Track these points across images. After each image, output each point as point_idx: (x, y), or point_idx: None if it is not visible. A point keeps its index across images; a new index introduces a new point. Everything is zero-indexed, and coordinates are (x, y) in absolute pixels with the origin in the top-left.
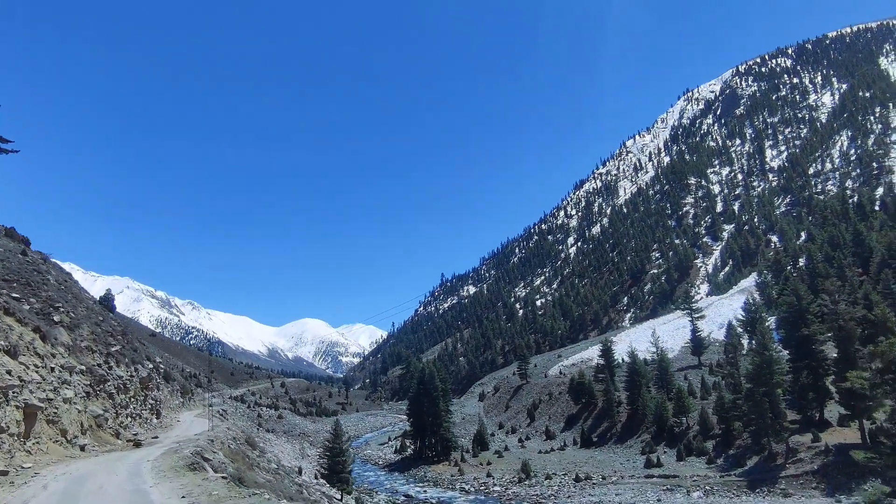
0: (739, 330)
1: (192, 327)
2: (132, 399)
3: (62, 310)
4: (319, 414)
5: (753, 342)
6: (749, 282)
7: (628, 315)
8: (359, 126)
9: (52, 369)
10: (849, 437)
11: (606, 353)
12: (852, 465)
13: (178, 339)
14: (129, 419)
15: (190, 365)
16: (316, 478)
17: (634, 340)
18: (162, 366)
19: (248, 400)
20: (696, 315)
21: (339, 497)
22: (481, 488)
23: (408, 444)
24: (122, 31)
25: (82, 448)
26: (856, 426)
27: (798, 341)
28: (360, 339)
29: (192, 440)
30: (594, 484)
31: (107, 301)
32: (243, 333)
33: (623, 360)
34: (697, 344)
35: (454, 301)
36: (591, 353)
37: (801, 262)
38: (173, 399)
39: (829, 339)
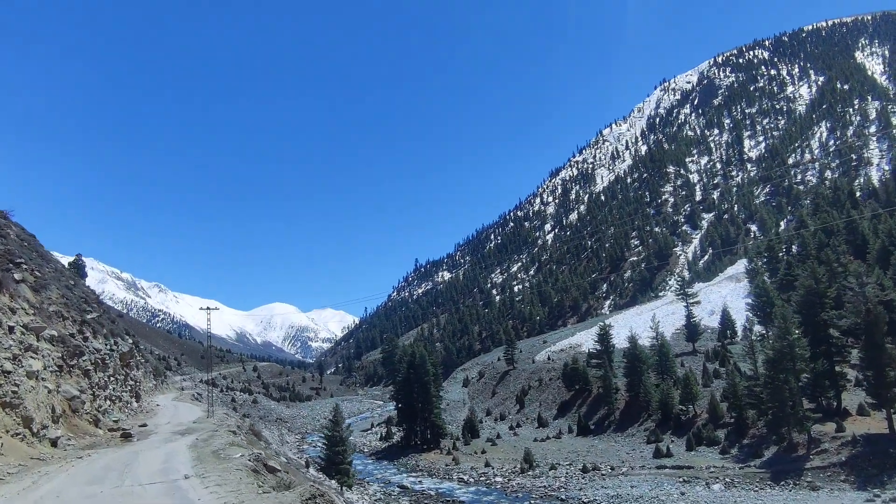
0: (749, 315)
1: (159, 310)
2: (112, 378)
3: (25, 267)
4: (293, 399)
5: (754, 328)
6: (736, 269)
7: (608, 302)
8: (327, 104)
9: (12, 330)
10: (872, 426)
11: (604, 337)
12: (883, 457)
13: (144, 321)
14: (109, 402)
15: (159, 347)
16: (307, 466)
17: (621, 326)
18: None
19: (220, 384)
20: (691, 301)
21: (340, 490)
22: (481, 479)
23: (394, 430)
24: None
25: (54, 443)
26: (879, 415)
27: (815, 326)
28: (330, 324)
29: (195, 429)
30: (603, 475)
31: (77, 269)
32: (212, 317)
33: (614, 346)
34: (692, 330)
35: (428, 287)
36: (579, 339)
37: (794, 248)
38: (147, 381)
39: (853, 325)
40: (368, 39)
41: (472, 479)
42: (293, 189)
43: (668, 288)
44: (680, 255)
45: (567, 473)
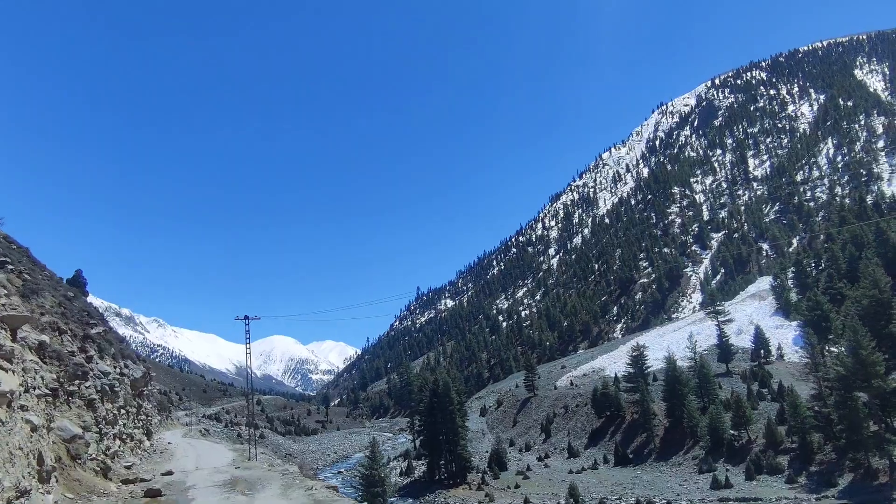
0: (800, 336)
1: (158, 345)
2: (122, 411)
3: (11, 268)
4: (299, 433)
5: (815, 344)
6: (758, 286)
7: (619, 325)
8: (321, 133)
9: None
10: None
11: (638, 359)
12: None
13: (144, 356)
14: (119, 443)
15: (160, 382)
16: None
17: (647, 349)
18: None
19: (223, 418)
20: (723, 319)
21: None
22: None
23: (414, 464)
24: None
25: None
26: None
27: (880, 338)
28: (331, 356)
29: (246, 479)
30: None
31: (78, 283)
32: (210, 351)
33: (650, 368)
34: (725, 350)
35: (431, 315)
36: (601, 363)
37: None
38: (153, 416)
39: None
40: (355, 68)
41: None
42: (290, 218)
43: (681, 309)
44: (691, 275)
45: None
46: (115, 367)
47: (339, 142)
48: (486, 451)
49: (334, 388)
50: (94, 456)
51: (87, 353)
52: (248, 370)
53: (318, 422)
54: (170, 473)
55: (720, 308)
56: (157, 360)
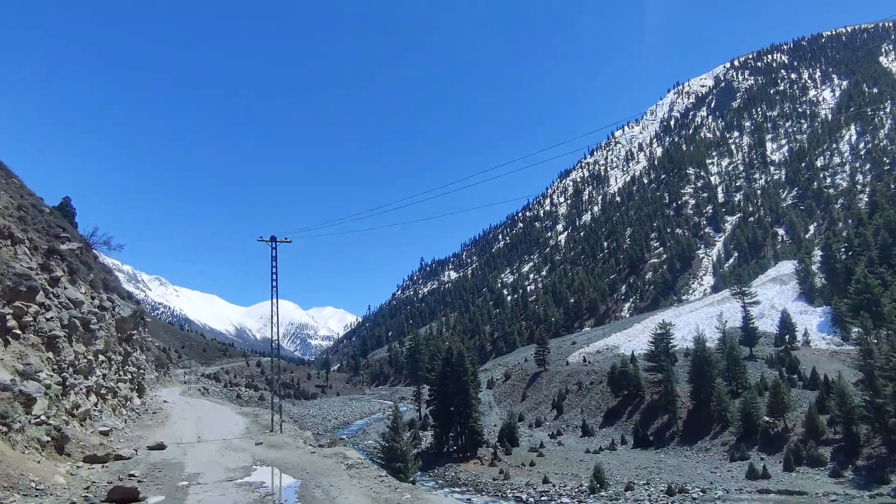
0: (826, 322)
1: (160, 303)
2: (102, 358)
3: None
4: (298, 396)
5: (823, 334)
6: (778, 271)
7: (627, 304)
8: (327, 101)
9: None
10: None
11: (663, 338)
12: None
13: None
14: (95, 399)
15: (159, 339)
16: None
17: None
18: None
19: (222, 378)
20: (749, 301)
21: None
22: (542, 499)
23: (421, 435)
24: None
25: None
26: None
27: None
28: (330, 322)
29: (274, 466)
30: (694, 499)
31: (67, 213)
32: (211, 312)
33: (675, 347)
34: (750, 334)
35: (434, 286)
36: (615, 340)
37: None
38: (149, 372)
39: None
40: (371, 36)
41: (531, 500)
42: (292, 185)
43: (691, 291)
44: (703, 257)
45: (650, 496)
46: (92, 298)
47: (346, 111)
48: (495, 425)
49: (334, 353)
50: (41, 418)
51: (52, 273)
52: (274, 308)
53: (318, 386)
54: (160, 447)
55: (747, 290)
56: (158, 317)
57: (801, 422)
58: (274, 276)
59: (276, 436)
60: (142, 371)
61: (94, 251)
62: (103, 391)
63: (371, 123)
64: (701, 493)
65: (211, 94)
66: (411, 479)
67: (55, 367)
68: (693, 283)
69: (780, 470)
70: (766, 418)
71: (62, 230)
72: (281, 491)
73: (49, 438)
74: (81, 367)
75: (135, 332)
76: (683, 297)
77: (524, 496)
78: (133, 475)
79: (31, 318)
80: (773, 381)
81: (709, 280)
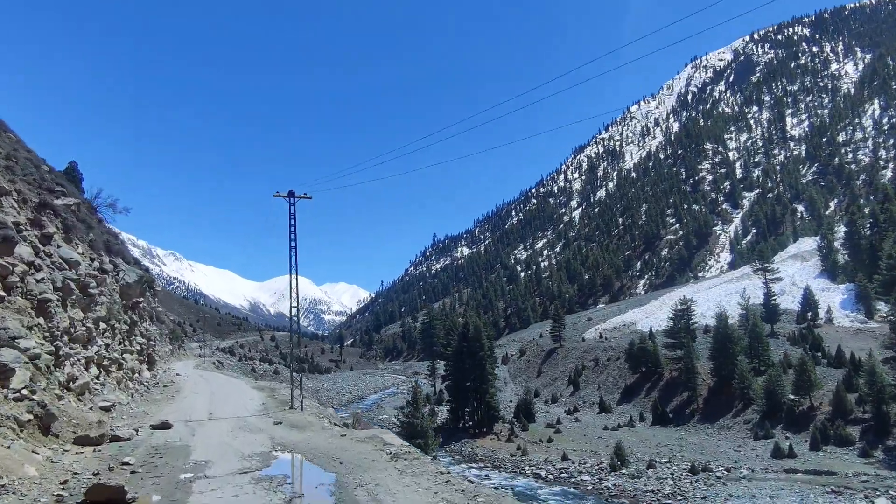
0: (850, 299)
1: (174, 278)
2: (104, 326)
3: None
4: (312, 370)
5: (846, 311)
6: (799, 247)
7: (642, 281)
8: (345, 75)
9: None
10: None
11: (683, 314)
12: None
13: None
14: (96, 371)
15: (174, 313)
16: None
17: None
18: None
19: (237, 352)
20: (772, 277)
21: None
22: (562, 476)
23: (436, 410)
24: None
25: None
26: None
27: None
28: (343, 297)
29: (300, 452)
30: (719, 478)
31: (73, 179)
32: (225, 287)
33: (697, 324)
34: (771, 311)
35: (447, 262)
36: (632, 317)
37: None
38: (163, 345)
39: None
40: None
41: (550, 476)
42: (306, 160)
43: (708, 268)
44: (720, 234)
45: (673, 475)
46: (91, 260)
47: (359, 84)
48: (510, 401)
49: (347, 329)
50: (22, 393)
51: (44, 230)
52: (293, 273)
53: (332, 361)
54: (164, 427)
55: (769, 266)
56: (173, 292)
57: (828, 400)
58: (292, 236)
59: (297, 413)
60: (152, 342)
61: (99, 215)
62: (106, 363)
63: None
64: (725, 472)
65: (234, 63)
66: (432, 455)
67: (47, 334)
68: (710, 260)
69: (806, 449)
70: (792, 396)
71: (59, 185)
72: (308, 490)
73: (31, 417)
74: (79, 335)
75: (141, 299)
76: (700, 275)
77: (543, 473)
78: (127, 463)
79: (18, 279)
80: (800, 358)
81: (726, 257)
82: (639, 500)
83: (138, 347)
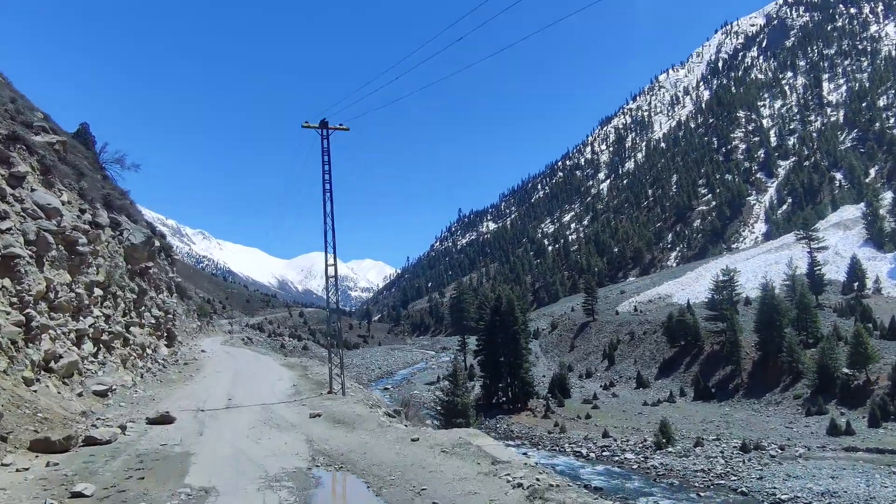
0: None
1: (203, 256)
2: (101, 293)
3: None
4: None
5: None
6: (841, 216)
7: (674, 254)
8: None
9: None
10: None
11: (726, 285)
12: None
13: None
14: (91, 347)
15: (204, 290)
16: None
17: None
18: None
19: (266, 328)
20: (816, 246)
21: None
22: (604, 454)
23: (468, 386)
24: None
25: None
26: None
27: None
28: (369, 274)
29: (353, 467)
30: (773, 456)
31: (85, 142)
32: (253, 265)
33: (741, 296)
34: (816, 282)
35: (473, 237)
36: (668, 290)
37: None
38: (190, 321)
39: None
40: None
41: (592, 455)
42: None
43: (742, 239)
44: (755, 204)
45: (723, 453)
46: (81, 212)
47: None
48: (543, 376)
49: (374, 305)
50: None
51: (12, 168)
52: (327, 219)
53: (360, 336)
54: (164, 421)
55: (814, 235)
56: (202, 269)
57: (886, 374)
58: (326, 177)
59: (338, 400)
60: (170, 315)
61: (106, 172)
62: (106, 337)
63: None
64: (779, 450)
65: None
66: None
67: (14, 300)
68: (744, 231)
69: (864, 426)
70: (846, 370)
71: (40, 119)
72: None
73: None
74: (63, 302)
75: (150, 264)
76: (734, 246)
77: (584, 451)
78: (80, 495)
79: None
80: (855, 330)
81: (760, 228)
82: (689, 480)
83: (153, 321)
